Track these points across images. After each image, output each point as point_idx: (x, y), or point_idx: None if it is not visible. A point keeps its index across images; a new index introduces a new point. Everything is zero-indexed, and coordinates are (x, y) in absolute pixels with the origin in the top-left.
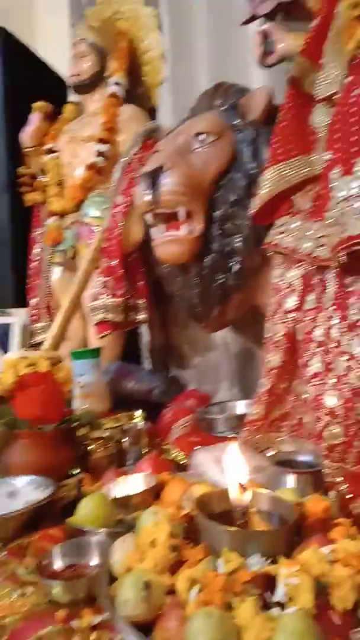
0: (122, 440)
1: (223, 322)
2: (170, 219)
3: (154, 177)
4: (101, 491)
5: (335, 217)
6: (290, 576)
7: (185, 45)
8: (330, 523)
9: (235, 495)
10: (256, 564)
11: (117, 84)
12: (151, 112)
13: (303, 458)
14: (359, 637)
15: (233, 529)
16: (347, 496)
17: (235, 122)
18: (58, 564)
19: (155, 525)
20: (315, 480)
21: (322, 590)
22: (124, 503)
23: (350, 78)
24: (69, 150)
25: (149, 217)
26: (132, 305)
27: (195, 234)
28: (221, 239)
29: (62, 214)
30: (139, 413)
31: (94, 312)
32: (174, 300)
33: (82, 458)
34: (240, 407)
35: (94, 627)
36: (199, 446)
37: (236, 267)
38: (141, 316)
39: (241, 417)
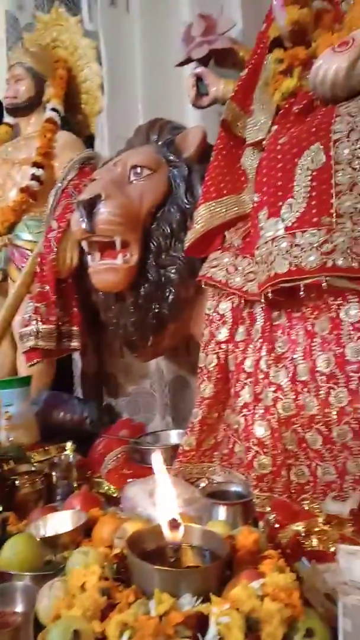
0: (52, 474)
1: (157, 351)
2: (106, 247)
3: (90, 206)
4: (28, 531)
5: (263, 255)
6: (221, 615)
7: (123, 78)
8: (259, 556)
9: (168, 532)
10: (188, 604)
11: (54, 109)
12: (88, 140)
13: (234, 488)
14: None
15: (164, 568)
16: (275, 525)
17: (170, 158)
18: None
19: (85, 567)
20: (245, 510)
21: (252, 626)
22: (53, 543)
23: (276, 127)
24: (2, 171)
25: (84, 245)
26: (65, 332)
27: (131, 263)
28: (157, 269)
29: None
30: (69, 445)
31: (24, 338)
32: (108, 328)
33: (7, 494)
34: (174, 437)
35: None
36: (132, 479)
37: (171, 297)
38: (74, 343)
39: (175, 447)
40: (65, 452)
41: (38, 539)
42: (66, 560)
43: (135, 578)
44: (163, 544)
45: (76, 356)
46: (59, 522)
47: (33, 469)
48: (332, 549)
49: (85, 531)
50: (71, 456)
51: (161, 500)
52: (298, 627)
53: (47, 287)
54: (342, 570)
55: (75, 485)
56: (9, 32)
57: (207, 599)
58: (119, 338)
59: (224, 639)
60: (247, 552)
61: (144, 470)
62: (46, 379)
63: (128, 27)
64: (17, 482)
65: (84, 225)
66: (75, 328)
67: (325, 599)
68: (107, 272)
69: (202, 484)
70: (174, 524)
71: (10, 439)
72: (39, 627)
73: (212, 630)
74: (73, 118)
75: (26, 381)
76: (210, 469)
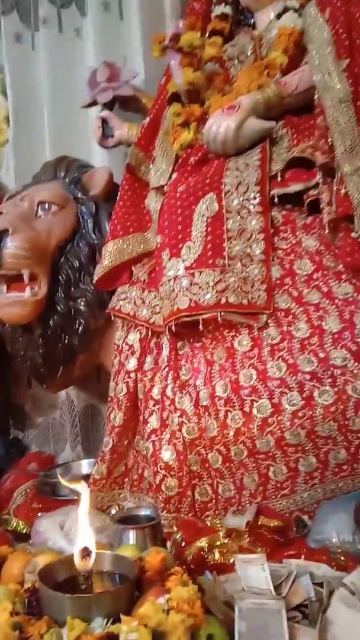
0: None
1: (67, 382)
2: (13, 280)
3: None
4: None
5: (167, 291)
6: (129, 632)
7: (29, 112)
8: (166, 573)
9: (79, 560)
10: (99, 627)
11: None
12: None
13: (143, 512)
14: None
15: (74, 596)
16: (182, 544)
17: (78, 195)
18: None
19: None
20: (154, 532)
21: (159, 637)
22: None
23: (175, 174)
24: None
25: None
26: None
27: (39, 296)
28: (66, 302)
29: None
30: None
31: None
32: (15, 360)
33: None
34: (85, 467)
35: None
36: (42, 512)
37: (81, 328)
38: None
39: (86, 477)
40: None
41: None
42: None
43: (47, 609)
44: (75, 573)
45: None
46: None
47: None
48: (232, 560)
49: None
50: None
51: (73, 531)
52: (200, 635)
53: None
54: (240, 578)
55: None
56: None
57: (118, 620)
58: (27, 370)
59: None
60: (155, 572)
61: (54, 503)
62: None
63: (34, 63)
64: None
65: None
66: None
67: (224, 606)
68: (14, 305)
69: (113, 511)
70: (84, 553)
71: None
72: None
73: None
74: None
75: None
76: (121, 495)
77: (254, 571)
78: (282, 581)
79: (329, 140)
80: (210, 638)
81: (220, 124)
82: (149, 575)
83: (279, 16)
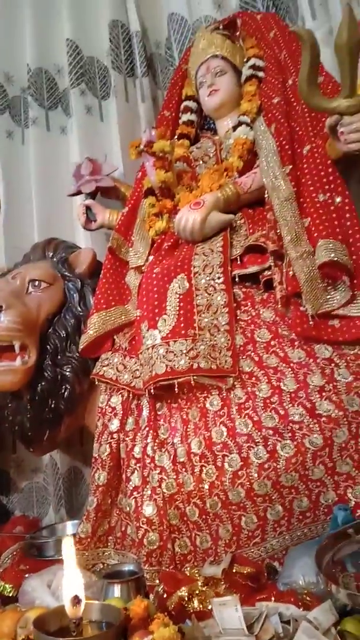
0: None
1: (53, 445)
2: (4, 350)
3: None
4: None
5: (146, 359)
6: None
7: (18, 197)
8: (150, 619)
9: (70, 608)
10: None
11: None
12: None
13: (127, 568)
14: None
15: (66, 639)
16: (164, 595)
17: (65, 273)
18: None
19: None
20: (137, 585)
21: None
22: None
23: (152, 257)
24: None
25: None
26: None
27: (29, 364)
28: (53, 368)
29: None
30: None
31: None
32: (3, 425)
33: None
34: (70, 528)
35: None
36: (29, 574)
37: (67, 393)
38: None
39: (70, 538)
40: None
41: None
42: None
43: None
44: (65, 623)
45: None
46: None
47: None
48: (210, 607)
49: None
50: None
51: (64, 582)
52: None
53: None
54: (216, 620)
55: None
56: None
57: None
58: (15, 435)
59: None
60: (139, 619)
61: (41, 564)
62: None
63: (24, 157)
64: None
65: None
66: None
67: None
68: (6, 373)
69: (98, 568)
70: (75, 601)
71: None
72: None
73: None
74: None
75: None
76: (105, 553)
77: (228, 613)
78: (254, 621)
79: (278, 231)
80: None
81: (188, 218)
82: (134, 623)
83: (234, 128)
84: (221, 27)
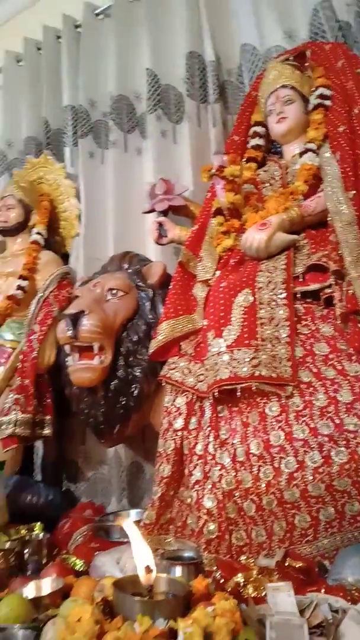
0: (23, 552)
1: (121, 438)
2: (84, 350)
3: (75, 318)
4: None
5: (210, 364)
6: (186, 627)
7: (97, 212)
8: (211, 595)
9: (144, 577)
10: (161, 624)
11: (38, 233)
12: (63, 258)
13: (187, 554)
14: None
15: (143, 599)
16: (221, 580)
17: (138, 284)
18: None
19: (80, 606)
20: (196, 569)
21: (208, 636)
22: (37, 603)
23: (219, 272)
24: None
25: (67, 348)
26: (38, 421)
27: (105, 364)
28: (125, 369)
29: None
30: (38, 525)
31: (3, 426)
32: (76, 417)
33: None
34: (133, 515)
35: None
36: (98, 551)
37: (136, 392)
38: (47, 431)
39: (135, 524)
40: (35, 532)
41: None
42: (49, 617)
43: (120, 611)
44: (139, 590)
45: (37, 443)
46: (39, 587)
47: (6, 547)
48: (264, 594)
49: (63, 594)
50: (41, 535)
51: (137, 552)
52: (239, 638)
53: (27, 381)
54: (270, 604)
55: (44, 561)
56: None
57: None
58: (89, 426)
59: None
60: (201, 594)
61: (109, 544)
62: (15, 464)
63: (102, 174)
64: None
65: (69, 333)
66: (48, 417)
67: (257, 623)
68: (85, 370)
69: (160, 553)
70: (148, 569)
71: None
72: None
73: (180, 636)
74: (51, 238)
75: (1, 466)
76: (166, 540)
77: (281, 597)
78: (305, 607)
79: (340, 252)
80: None
81: (255, 237)
82: (196, 597)
83: (301, 154)
84: (291, 58)
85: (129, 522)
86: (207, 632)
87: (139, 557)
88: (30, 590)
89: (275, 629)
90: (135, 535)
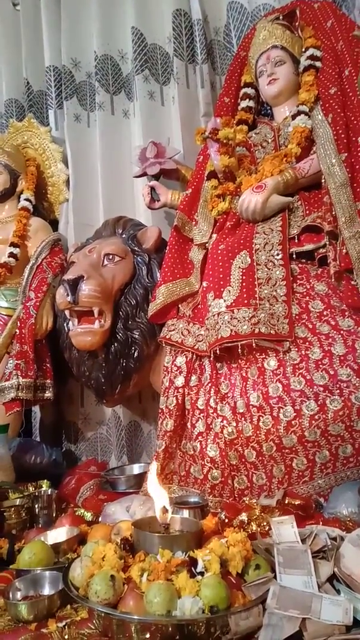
0: (34, 507)
1: (121, 399)
2: (83, 315)
3: (74, 283)
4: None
5: (211, 324)
6: (204, 556)
7: (85, 177)
8: (220, 531)
9: (160, 516)
10: (180, 555)
11: (27, 199)
12: (52, 224)
13: (192, 499)
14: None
15: (163, 534)
16: (226, 520)
17: (134, 248)
18: (17, 596)
19: (103, 545)
20: (203, 512)
21: (223, 563)
22: (56, 549)
23: (215, 235)
24: None
25: (67, 313)
26: (39, 385)
27: (105, 327)
28: (124, 332)
29: None
30: (45, 482)
31: (5, 391)
32: (75, 380)
33: None
34: (136, 468)
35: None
36: (107, 502)
37: (136, 354)
38: (48, 394)
39: (138, 476)
40: (43, 488)
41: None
42: (70, 560)
43: (140, 547)
44: (155, 529)
45: (35, 407)
46: (56, 536)
47: (17, 503)
48: (267, 529)
49: (79, 540)
50: (49, 490)
51: (154, 494)
52: (250, 564)
53: (26, 347)
54: (275, 536)
55: (54, 515)
56: None
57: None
58: (91, 388)
59: (208, 569)
60: (211, 531)
61: (116, 495)
62: (16, 426)
63: (89, 137)
64: (5, 514)
65: (69, 299)
66: (48, 381)
67: (264, 551)
68: (86, 334)
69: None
70: (164, 510)
71: None
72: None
73: (200, 564)
74: (39, 204)
75: (5, 428)
76: (171, 489)
77: (285, 529)
78: (306, 537)
79: (333, 213)
80: (257, 566)
81: (251, 199)
82: (207, 534)
83: (293, 116)
84: (281, 17)
85: (152, 467)
86: (222, 559)
87: (156, 499)
88: (49, 538)
89: (282, 554)
90: (153, 479)
